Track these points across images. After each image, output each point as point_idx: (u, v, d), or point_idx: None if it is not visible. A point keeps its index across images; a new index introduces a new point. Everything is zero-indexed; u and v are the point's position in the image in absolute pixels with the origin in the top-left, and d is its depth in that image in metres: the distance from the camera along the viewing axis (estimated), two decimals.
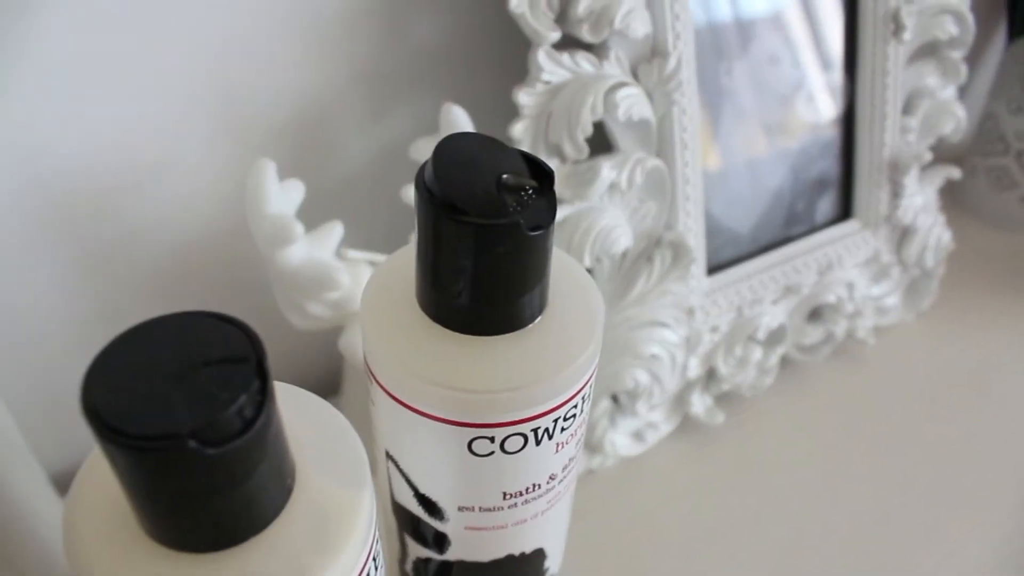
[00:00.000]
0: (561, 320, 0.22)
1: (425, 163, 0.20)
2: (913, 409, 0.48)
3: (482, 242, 0.19)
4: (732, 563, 0.40)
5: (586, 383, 0.23)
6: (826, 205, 0.48)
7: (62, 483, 0.35)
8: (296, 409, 0.19)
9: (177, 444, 0.14)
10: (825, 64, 0.45)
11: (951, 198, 0.62)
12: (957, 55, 0.47)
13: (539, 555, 0.27)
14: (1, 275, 0.35)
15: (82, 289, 0.38)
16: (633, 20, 0.34)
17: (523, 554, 0.27)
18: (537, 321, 0.22)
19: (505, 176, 0.19)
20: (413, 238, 0.37)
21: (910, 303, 0.53)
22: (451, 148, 0.20)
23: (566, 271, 0.23)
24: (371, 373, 0.23)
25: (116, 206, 0.36)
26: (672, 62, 0.36)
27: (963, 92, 0.51)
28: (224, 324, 0.16)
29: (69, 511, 0.18)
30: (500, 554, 0.26)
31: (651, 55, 0.36)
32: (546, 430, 0.22)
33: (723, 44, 0.41)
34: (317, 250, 0.34)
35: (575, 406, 0.23)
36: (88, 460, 0.19)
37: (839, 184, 0.48)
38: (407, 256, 0.23)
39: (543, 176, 0.20)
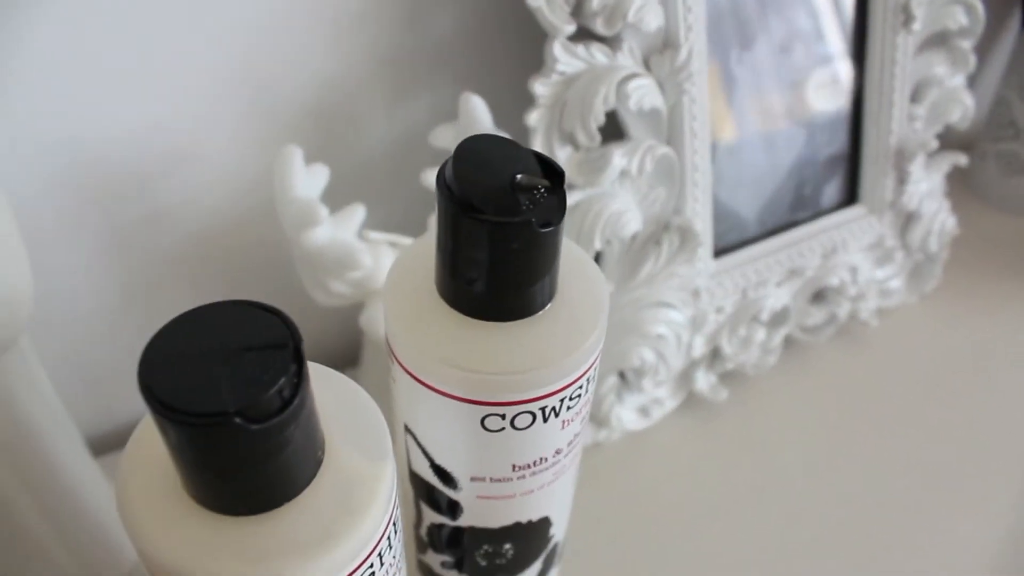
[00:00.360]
0: (569, 308, 0.24)
1: (446, 162, 0.21)
2: (915, 390, 0.50)
3: (496, 238, 0.21)
4: (732, 536, 0.42)
5: (591, 366, 0.24)
6: (832, 190, 0.49)
7: (95, 444, 0.37)
8: (326, 387, 0.21)
9: (224, 421, 0.16)
10: (835, 53, 0.46)
11: (961, 182, 0.63)
12: (967, 45, 0.48)
13: (545, 523, 0.29)
14: (39, 254, 0.37)
15: (113, 268, 0.40)
16: (646, 14, 0.35)
17: (530, 522, 0.28)
18: (547, 308, 0.23)
19: (519, 176, 0.21)
20: (431, 221, 0.39)
21: (913, 286, 0.54)
22: (470, 149, 0.21)
23: (575, 261, 0.25)
24: (392, 353, 0.25)
25: (146, 190, 0.38)
26: (683, 54, 0.37)
27: (975, 78, 0.51)
28: (265, 313, 0.18)
29: (121, 475, 0.20)
30: (508, 521, 0.28)
31: (663, 46, 0.38)
32: (553, 408, 0.24)
33: (734, 32, 0.42)
34: (340, 231, 0.35)
35: (580, 387, 0.24)
36: (137, 430, 0.21)
37: (846, 170, 0.49)
38: (427, 245, 0.24)
39: (555, 175, 0.21)
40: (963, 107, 0.49)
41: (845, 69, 0.47)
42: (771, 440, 0.47)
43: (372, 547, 0.20)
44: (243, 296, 0.44)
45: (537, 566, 0.31)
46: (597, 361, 0.25)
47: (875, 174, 0.49)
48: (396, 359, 0.24)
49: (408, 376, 0.24)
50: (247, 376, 0.17)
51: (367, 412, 0.21)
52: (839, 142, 0.48)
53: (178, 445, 0.17)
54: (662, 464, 0.45)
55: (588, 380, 0.25)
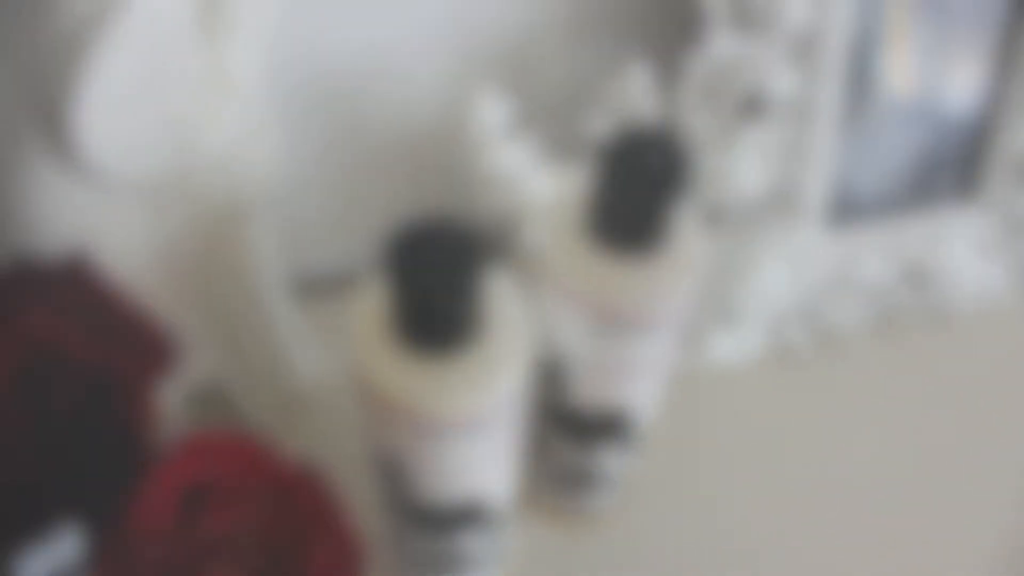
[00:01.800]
0: (674, 257, 0.31)
1: (608, 140, 0.29)
2: (997, 384, 0.53)
3: (631, 204, 0.29)
4: (791, 471, 0.48)
5: (685, 301, 0.32)
6: (950, 184, 0.53)
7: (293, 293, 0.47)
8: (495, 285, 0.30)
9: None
10: (980, 57, 0.50)
11: None
12: None
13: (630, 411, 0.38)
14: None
15: (325, 161, 0.49)
16: (795, 13, 0.41)
17: (620, 407, 0.37)
18: (660, 253, 0.31)
19: (655, 162, 0.29)
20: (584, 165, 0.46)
21: (1016, 287, 0.58)
22: (627, 132, 0.29)
23: (687, 223, 0.32)
24: (544, 266, 0.33)
25: (359, 102, 0.47)
26: (824, 53, 0.43)
27: None
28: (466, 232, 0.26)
29: (354, 323, 0.29)
30: (606, 404, 0.37)
31: (807, 44, 0.43)
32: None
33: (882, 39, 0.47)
34: (512, 159, 0.44)
35: (675, 314, 0.32)
36: (363, 297, 0.30)
37: (968, 167, 0.53)
38: (579, 192, 0.32)
39: (684, 163, 0.29)
40: None
41: (988, 73, 0.50)
42: (848, 398, 0.52)
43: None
44: (420, 197, 0.54)
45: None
46: (690, 298, 0.33)
47: (996, 178, 0.53)
48: (546, 272, 0.33)
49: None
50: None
51: (516, 304, 0.30)
52: (968, 141, 0.52)
53: (400, 303, 0.27)
54: (744, 397, 0.52)
55: (681, 310, 0.33)
